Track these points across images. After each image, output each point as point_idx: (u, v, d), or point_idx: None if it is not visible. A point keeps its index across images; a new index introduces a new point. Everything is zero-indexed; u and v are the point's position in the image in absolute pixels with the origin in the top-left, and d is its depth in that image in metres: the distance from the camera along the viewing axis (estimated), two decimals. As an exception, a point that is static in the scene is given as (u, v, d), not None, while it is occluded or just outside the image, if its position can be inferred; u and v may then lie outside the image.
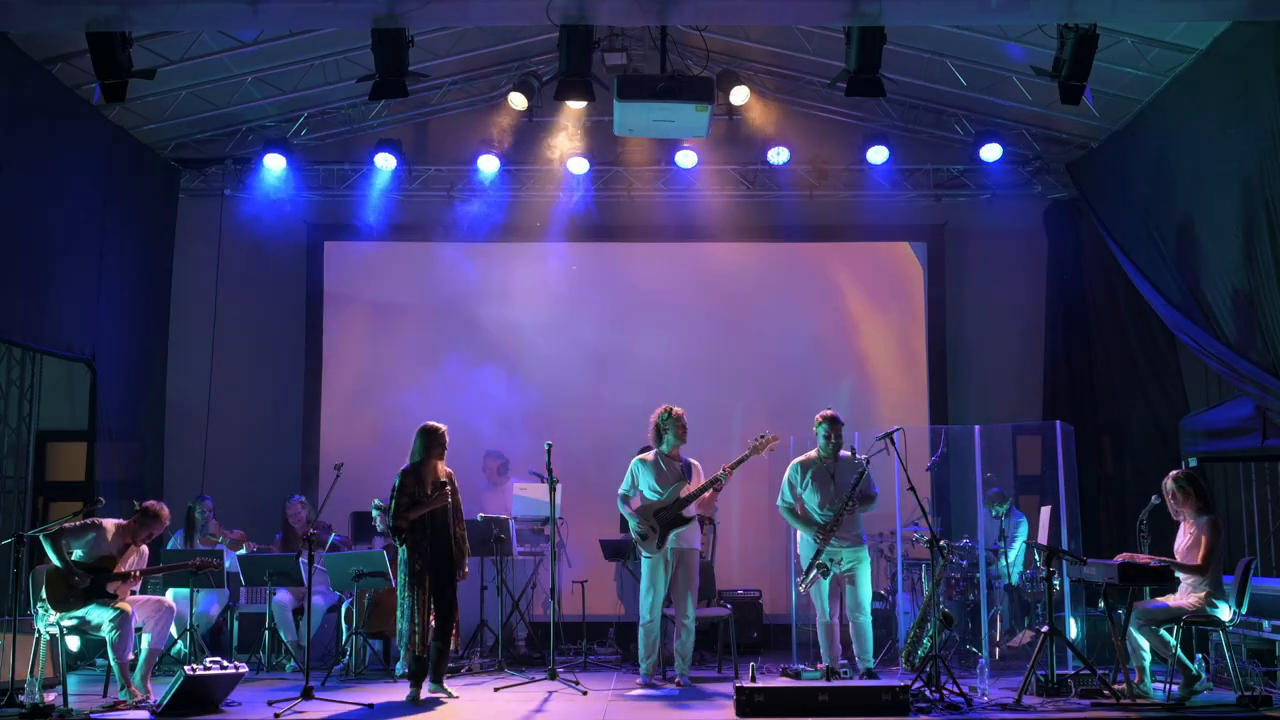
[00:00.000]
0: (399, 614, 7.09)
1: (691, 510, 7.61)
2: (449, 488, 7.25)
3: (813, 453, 7.66)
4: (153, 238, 10.11)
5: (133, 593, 7.15)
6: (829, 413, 7.66)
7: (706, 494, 7.60)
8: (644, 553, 7.63)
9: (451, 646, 7.40)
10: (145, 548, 7.32)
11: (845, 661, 8.06)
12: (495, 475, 9.90)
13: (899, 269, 10.95)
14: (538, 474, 8.25)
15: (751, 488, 10.30)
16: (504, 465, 9.88)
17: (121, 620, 6.83)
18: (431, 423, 7.36)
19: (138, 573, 7.16)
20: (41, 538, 6.97)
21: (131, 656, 6.91)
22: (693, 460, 7.77)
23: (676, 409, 7.76)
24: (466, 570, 7.37)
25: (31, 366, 9.83)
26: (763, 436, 7.69)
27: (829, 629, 7.51)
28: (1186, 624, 6.81)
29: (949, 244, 10.87)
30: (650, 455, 7.78)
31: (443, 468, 7.29)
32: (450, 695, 7.18)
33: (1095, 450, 10.19)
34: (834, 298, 10.82)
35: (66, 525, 7.05)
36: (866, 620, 7.44)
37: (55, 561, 6.91)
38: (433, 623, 7.12)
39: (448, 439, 7.33)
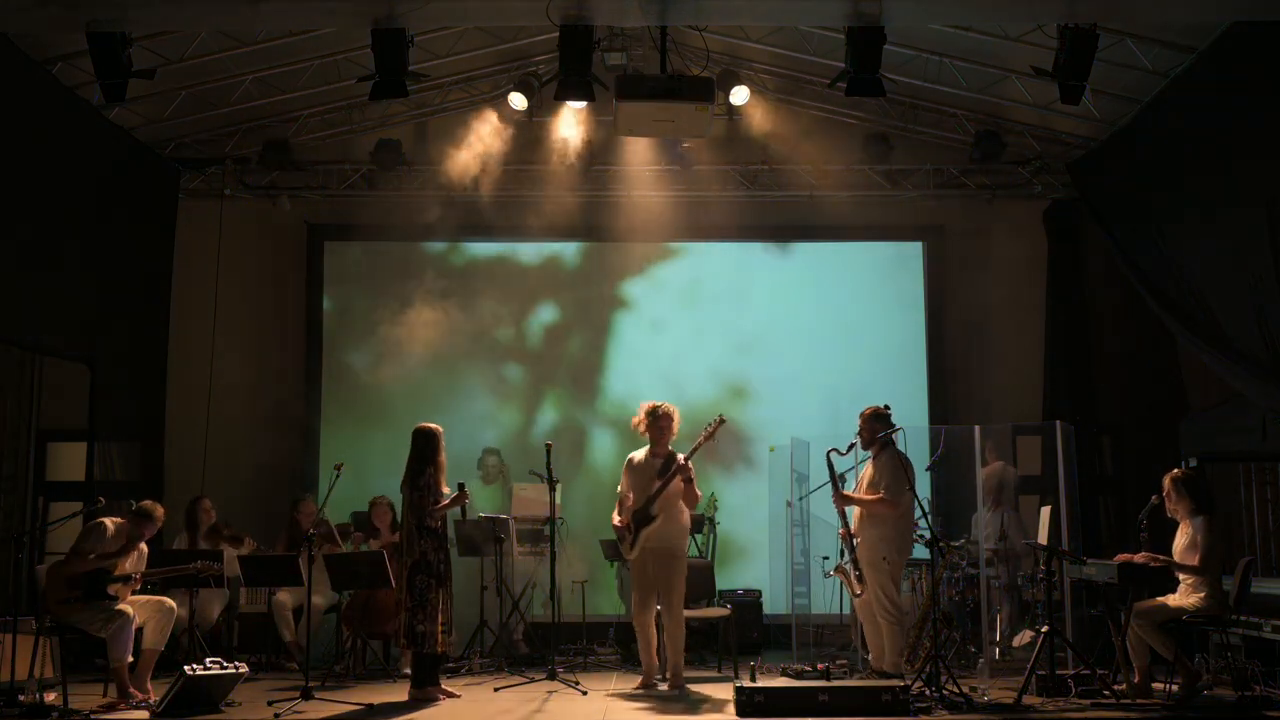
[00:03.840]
0: (418, 615, 7.05)
1: (664, 507, 7.41)
2: (464, 488, 7.33)
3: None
4: (153, 238, 10.10)
5: (133, 593, 7.14)
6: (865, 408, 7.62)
7: (678, 487, 7.39)
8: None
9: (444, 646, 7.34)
10: (144, 546, 7.30)
11: (844, 661, 8.08)
12: (494, 474, 9.92)
13: (899, 269, 10.95)
14: (538, 474, 8.26)
15: (752, 487, 10.32)
16: (502, 464, 9.88)
17: (122, 622, 6.82)
18: (428, 424, 7.38)
19: (138, 575, 7.15)
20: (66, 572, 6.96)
21: (131, 659, 6.89)
22: (679, 455, 7.54)
23: (653, 405, 7.62)
24: None
25: (31, 366, 9.82)
26: (711, 422, 7.52)
27: (864, 627, 7.53)
28: (1186, 624, 6.82)
29: (949, 244, 10.87)
30: (639, 453, 7.69)
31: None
32: (451, 694, 7.21)
33: (1095, 450, 10.19)
34: (834, 298, 10.82)
35: (81, 554, 6.95)
36: (883, 621, 7.33)
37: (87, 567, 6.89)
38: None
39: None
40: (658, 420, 7.55)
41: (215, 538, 8.74)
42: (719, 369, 10.70)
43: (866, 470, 7.58)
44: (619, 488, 7.73)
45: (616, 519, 7.62)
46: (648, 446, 7.63)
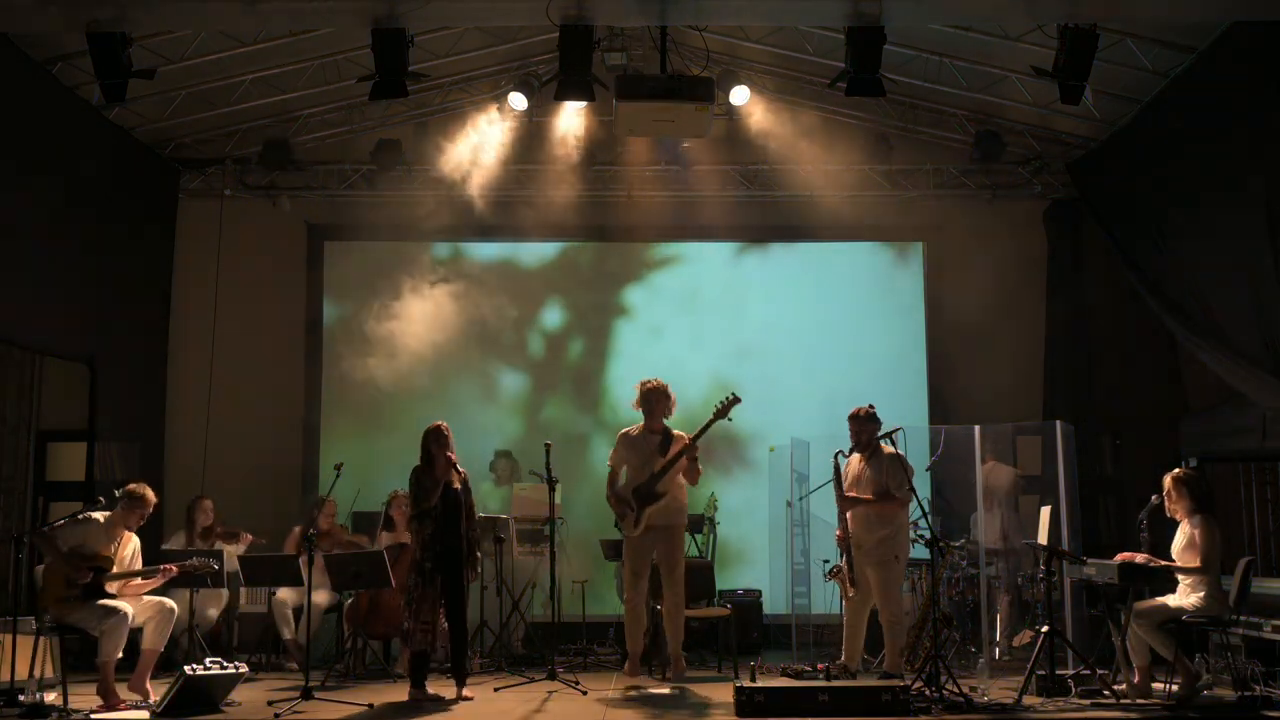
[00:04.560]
0: (406, 612, 7.07)
1: (667, 485, 7.49)
2: (460, 484, 7.25)
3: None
4: (153, 238, 10.11)
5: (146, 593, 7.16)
6: (855, 409, 7.63)
7: (683, 464, 7.50)
8: (623, 533, 7.67)
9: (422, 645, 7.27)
10: (138, 540, 7.28)
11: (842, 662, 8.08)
12: (506, 477, 9.93)
13: (899, 269, 10.95)
14: (537, 474, 8.27)
15: (752, 487, 10.32)
16: (514, 467, 9.89)
17: (118, 619, 6.80)
18: (432, 423, 7.38)
19: (138, 579, 7.16)
20: (34, 542, 6.97)
21: (120, 655, 6.86)
22: (676, 432, 7.64)
23: (651, 381, 7.73)
24: (477, 571, 7.39)
25: (31, 366, 9.82)
26: (724, 399, 7.57)
27: (848, 626, 7.55)
28: (1186, 624, 6.82)
29: (949, 244, 10.86)
30: (634, 428, 7.76)
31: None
32: (465, 698, 7.14)
33: (1095, 450, 10.18)
34: (834, 298, 10.82)
35: (56, 525, 7.03)
36: (888, 622, 7.38)
37: (53, 556, 6.89)
38: (444, 623, 7.14)
39: (446, 434, 7.28)
40: (650, 395, 7.67)
41: (210, 537, 8.73)
42: (719, 371, 10.64)
43: (858, 471, 7.56)
44: (609, 460, 7.78)
45: (611, 496, 7.66)
46: (642, 421, 7.71)
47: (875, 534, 7.40)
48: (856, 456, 7.61)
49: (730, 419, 7.69)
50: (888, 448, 7.56)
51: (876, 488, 7.45)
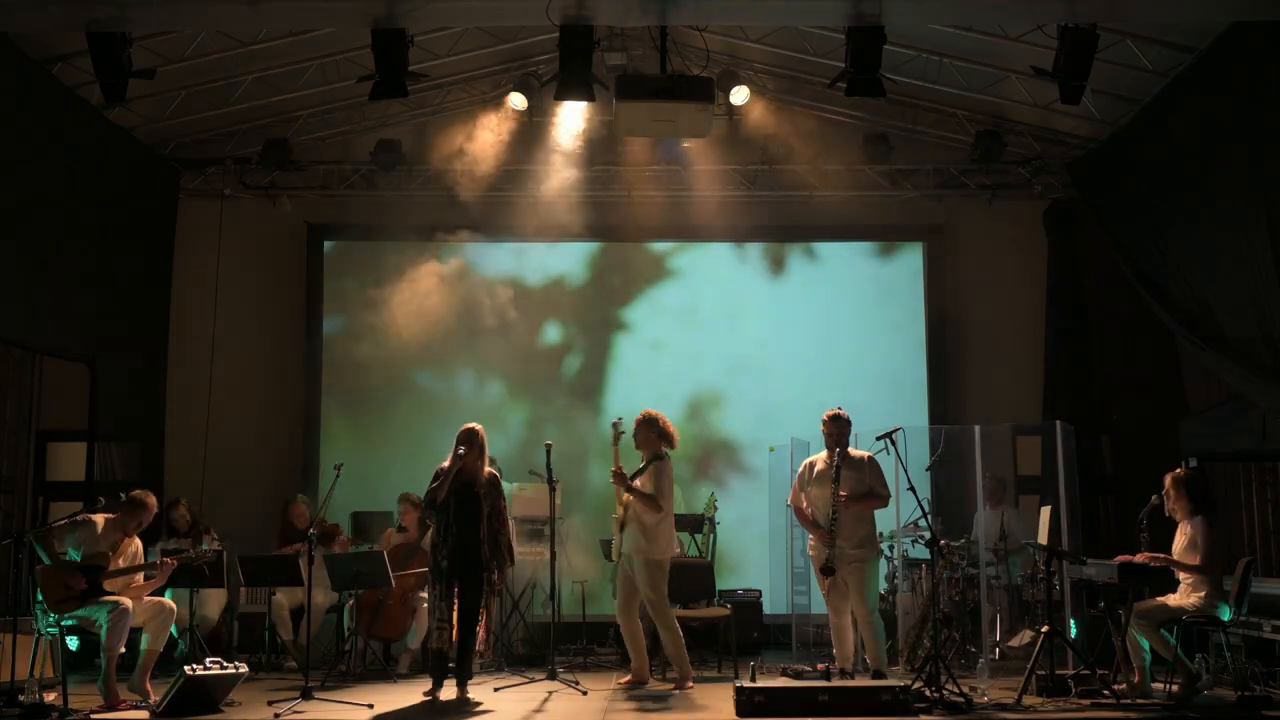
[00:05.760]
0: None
1: (631, 516, 7.41)
2: (483, 486, 7.17)
3: (823, 452, 7.62)
4: (153, 238, 10.11)
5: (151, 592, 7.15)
6: (830, 411, 7.62)
7: (626, 498, 7.41)
8: None
9: (476, 649, 7.23)
10: (139, 542, 7.29)
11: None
12: None
13: (899, 269, 10.95)
14: (537, 474, 8.27)
15: (750, 488, 10.32)
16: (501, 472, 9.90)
17: (120, 612, 6.80)
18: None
19: (139, 578, 7.16)
20: (33, 539, 6.98)
21: (124, 650, 6.87)
22: (656, 460, 7.49)
23: (644, 413, 7.59)
24: (499, 579, 7.28)
25: (31, 366, 9.82)
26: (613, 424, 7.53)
27: (836, 629, 7.51)
28: (1186, 624, 6.82)
29: (949, 244, 10.87)
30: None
31: (484, 469, 7.26)
32: (465, 699, 7.07)
33: (1095, 450, 10.17)
34: (834, 298, 10.82)
35: (55, 525, 7.04)
36: (872, 622, 7.34)
37: (47, 561, 6.90)
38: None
39: (477, 437, 7.19)
40: (635, 427, 7.56)
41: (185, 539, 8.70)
42: (716, 369, 10.68)
43: (828, 472, 7.52)
44: None
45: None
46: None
47: (857, 534, 7.37)
48: (823, 458, 7.57)
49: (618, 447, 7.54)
50: (856, 451, 7.54)
51: (857, 487, 7.42)
